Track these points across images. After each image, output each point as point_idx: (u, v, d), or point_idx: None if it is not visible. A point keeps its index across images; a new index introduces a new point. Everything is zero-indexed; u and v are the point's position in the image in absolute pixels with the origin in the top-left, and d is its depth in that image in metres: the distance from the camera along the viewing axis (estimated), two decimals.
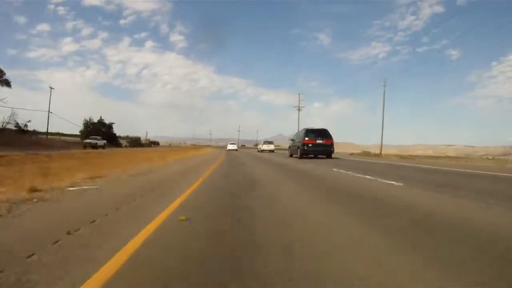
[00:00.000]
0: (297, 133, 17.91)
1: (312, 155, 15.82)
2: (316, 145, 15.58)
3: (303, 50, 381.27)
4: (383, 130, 33.13)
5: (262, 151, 32.07)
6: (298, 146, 16.24)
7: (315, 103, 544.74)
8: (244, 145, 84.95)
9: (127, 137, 62.80)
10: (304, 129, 16.62)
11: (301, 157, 15.73)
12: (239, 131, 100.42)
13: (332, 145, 16.06)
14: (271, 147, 32.69)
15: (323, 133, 16.09)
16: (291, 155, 18.35)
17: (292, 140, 18.40)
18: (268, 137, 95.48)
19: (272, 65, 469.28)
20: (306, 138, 15.64)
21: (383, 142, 33.08)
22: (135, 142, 58.46)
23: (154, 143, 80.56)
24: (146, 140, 75.92)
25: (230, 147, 40.73)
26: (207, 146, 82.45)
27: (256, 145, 55.10)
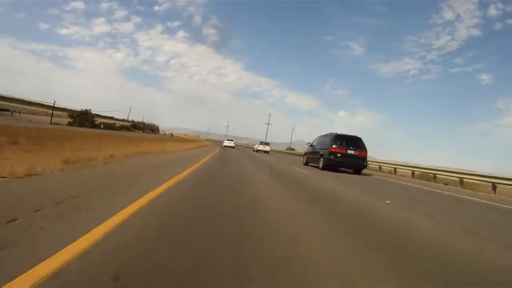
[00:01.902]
0: (319, 137, 14.02)
1: (332, 167, 11.97)
2: (346, 156, 11.72)
3: (334, 57, 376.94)
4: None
5: (258, 151, 32.56)
6: (321, 154, 12.36)
7: (341, 112, 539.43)
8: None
9: (65, 109, 40.63)
10: (332, 133, 12.74)
11: (323, 168, 11.89)
12: (268, 123, 68.84)
13: (365, 158, 12.21)
14: (267, 148, 33.50)
15: (357, 142, 12.23)
16: (306, 163, 14.50)
17: (311, 145, 14.47)
18: (287, 141, 73.49)
19: (301, 69, 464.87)
20: (334, 146, 11.78)
21: (398, 160, 29.17)
22: (81, 118, 35.80)
23: (138, 128, 55.45)
24: (113, 119, 50.25)
25: (226, 143, 37.30)
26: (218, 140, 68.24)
27: (291, 149, 52.07)
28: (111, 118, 59.56)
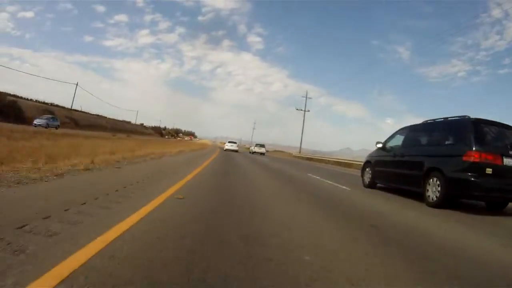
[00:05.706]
0: (408, 130, 7.18)
1: (471, 199, 5.48)
2: (504, 172, 5.10)
3: (381, 62, 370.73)
4: None
5: (254, 152, 36.01)
6: (434, 169, 5.59)
7: (388, 119, 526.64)
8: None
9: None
10: (460, 119, 5.90)
11: (444, 201, 5.21)
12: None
13: None
14: (262, 149, 35.79)
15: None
16: (373, 184, 7.79)
17: (383, 148, 7.62)
18: (335, 150, 64.31)
19: (347, 75, 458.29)
20: (475, 148, 5.14)
21: None
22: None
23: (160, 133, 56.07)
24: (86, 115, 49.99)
25: (228, 146, 34.15)
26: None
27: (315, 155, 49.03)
28: (141, 125, 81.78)
